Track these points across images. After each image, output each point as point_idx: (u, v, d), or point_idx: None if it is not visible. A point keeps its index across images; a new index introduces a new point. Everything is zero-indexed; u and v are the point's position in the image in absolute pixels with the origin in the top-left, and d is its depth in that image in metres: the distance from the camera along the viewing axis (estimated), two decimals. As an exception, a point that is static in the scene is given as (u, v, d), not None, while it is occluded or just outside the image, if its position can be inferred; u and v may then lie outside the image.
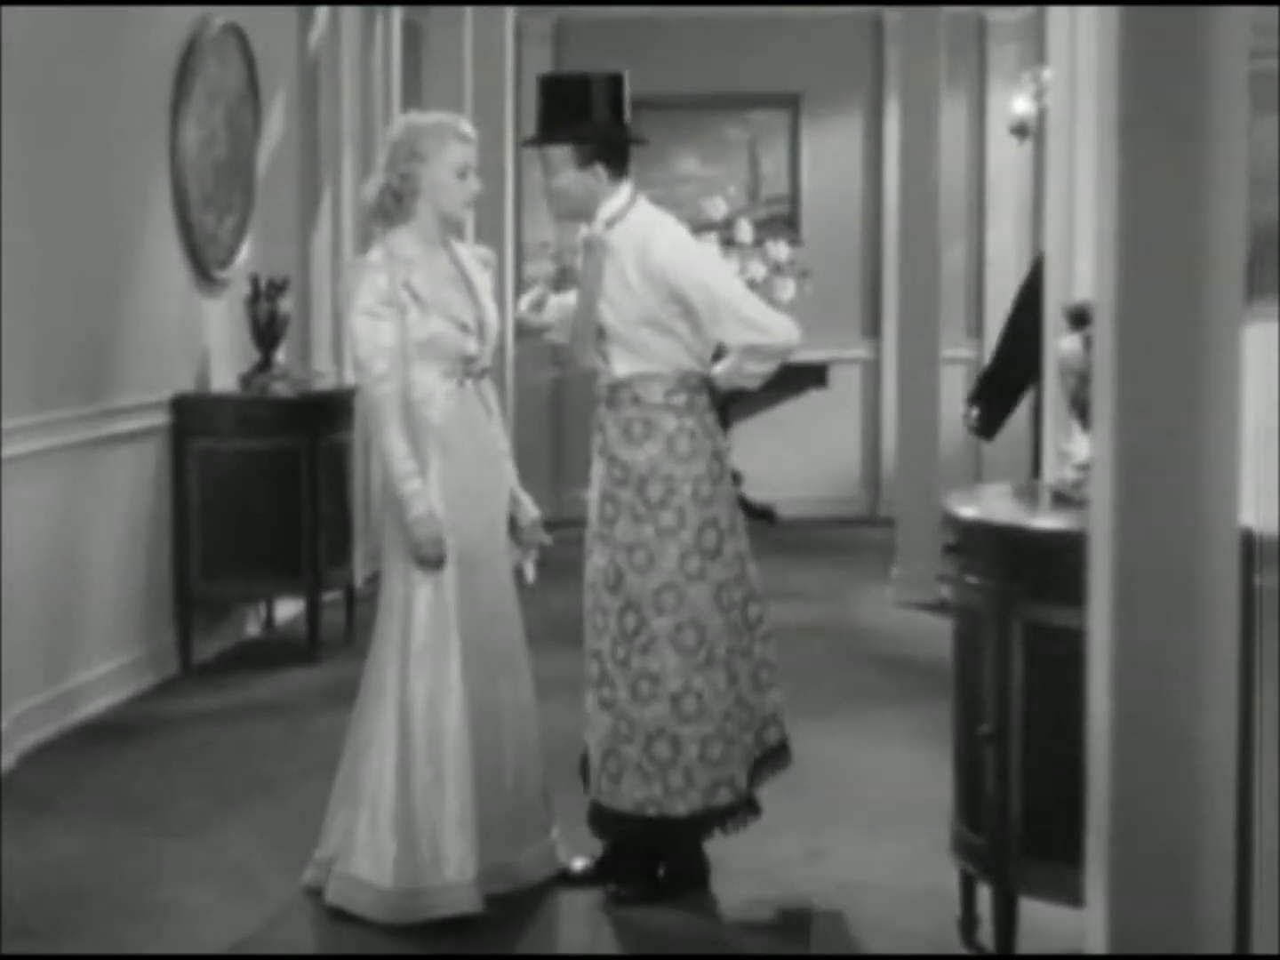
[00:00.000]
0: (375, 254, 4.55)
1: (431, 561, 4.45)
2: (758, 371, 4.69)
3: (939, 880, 4.49)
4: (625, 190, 4.66)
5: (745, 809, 4.66)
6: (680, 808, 4.56)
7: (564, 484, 10.86)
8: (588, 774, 4.72)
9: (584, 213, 4.67)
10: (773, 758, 4.76)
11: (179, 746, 6.13)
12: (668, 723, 4.56)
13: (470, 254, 4.74)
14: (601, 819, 4.68)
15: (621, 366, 4.62)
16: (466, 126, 4.64)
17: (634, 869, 4.69)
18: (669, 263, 4.56)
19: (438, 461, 4.51)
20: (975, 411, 6.56)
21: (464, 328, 4.55)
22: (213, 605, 7.47)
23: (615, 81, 4.67)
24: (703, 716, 4.56)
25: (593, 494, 4.72)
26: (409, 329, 4.48)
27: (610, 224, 4.63)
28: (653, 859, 4.70)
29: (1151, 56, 2.82)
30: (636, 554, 4.59)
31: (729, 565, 4.63)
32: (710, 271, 4.64)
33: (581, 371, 4.78)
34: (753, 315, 4.61)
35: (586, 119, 4.61)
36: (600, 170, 4.62)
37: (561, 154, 4.62)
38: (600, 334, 4.62)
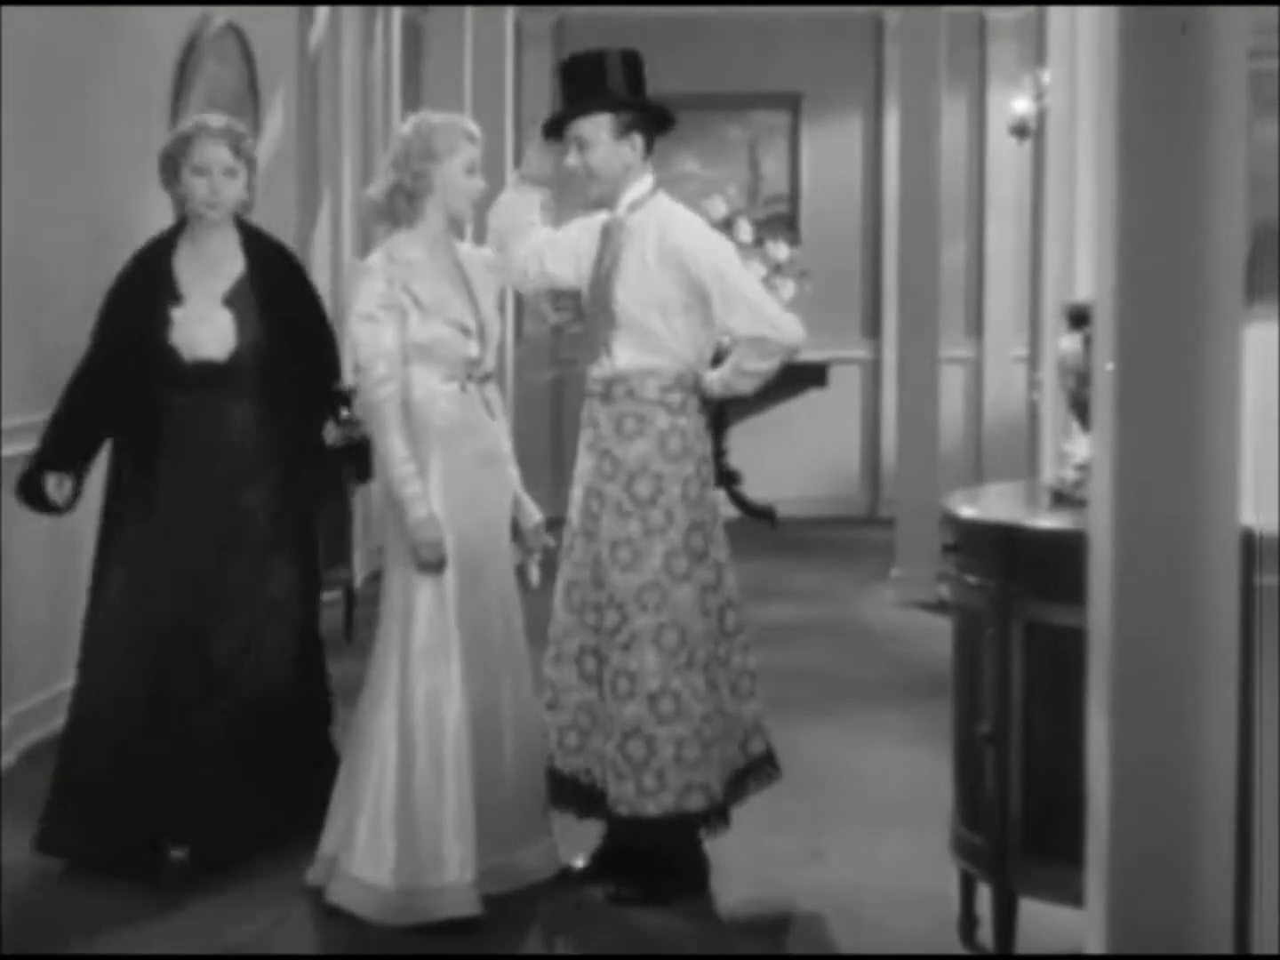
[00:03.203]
0: (375, 258, 4.56)
1: (432, 565, 4.45)
2: (758, 369, 4.67)
3: (939, 880, 4.49)
4: (649, 178, 4.65)
5: (717, 818, 4.65)
6: (650, 808, 4.54)
7: (564, 484, 10.85)
8: (558, 788, 4.68)
9: (615, 194, 4.62)
10: (757, 768, 4.74)
11: (179, 746, 6.11)
12: (644, 722, 4.54)
13: (474, 257, 4.73)
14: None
15: (624, 356, 4.60)
16: (474, 126, 4.66)
17: (634, 869, 4.68)
18: (687, 246, 4.56)
19: (438, 464, 4.50)
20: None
21: (465, 331, 4.55)
22: (213, 605, 7.44)
23: (632, 57, 4.65)
24: (680, 718, 4.54)
25: (577, 491, 4.72)
26: (410, 333, 4.48)
27: (632, 209, 4.62)
28: (653, 859, 4.69)
29: (1151, 56, 2.82)
30: (621, 550, 4.57)
31: (710, 570, 4.63)
32: (726, 259, 4.64)
33: (587, 363, 4.74)
34: (765, 307, 4.62)
35: (608, 92, 4.59)
36: (638, 141, 4.60)
37: (596, 126, 4.57)
38: (611, 320, 4.61)
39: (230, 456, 4.89)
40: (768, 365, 4.66)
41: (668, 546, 4.56)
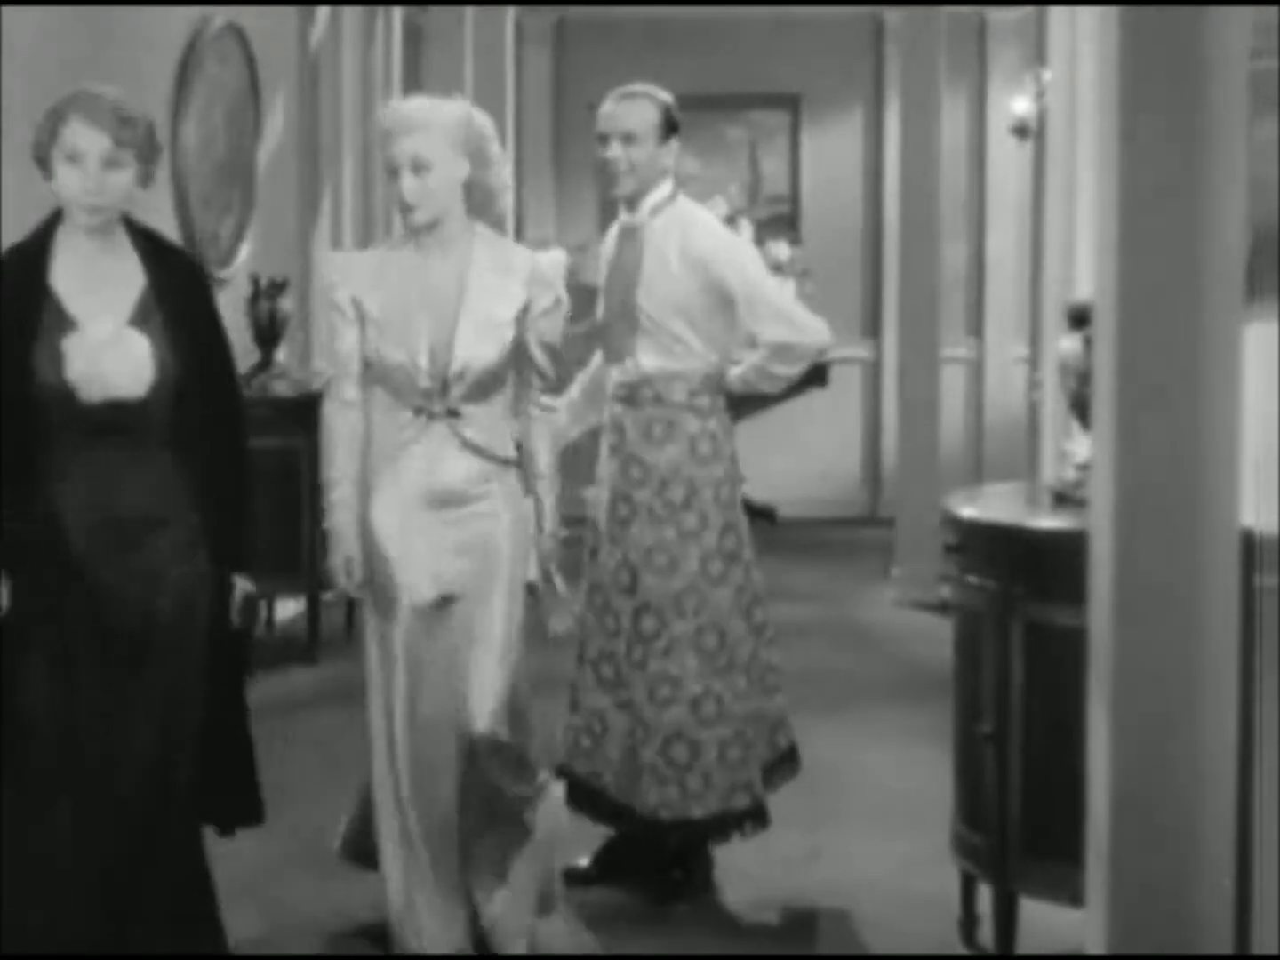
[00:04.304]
0: (367, 255, 4.46)
1: (342, 586, 4.21)
2: (784, 373, 4.64)
3: (939, 880, 4.49)
4: (670, 183, 4.64)
5: (756, 817, 4.63)
6: (696, 810, 4.54)
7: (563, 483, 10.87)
8: (572, 789, 4.66)
9: (640, 196, 4.61)
10: (784, 763, 4.74)
11: (179, 746, 6.11)
12: (686, 726, 4.53)
13: (518, 264, 4.15)
14: (620, 815, 4.64)
15: (648, 360, 4.58)
16: (393, 118, 4.11)
17: (638, 869, 4.68)
18: (710, 249, 4.54)
19: (384, 494, 4.13)
20: None
21: (416, 363, 4.04)
22: (213, 605, 7.43)
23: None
24: (722, 720, 4.54)
25: (602, 494, 4.68)
26: (366, 342, 4.10)
27: (653, 213, 4.61)
28: (657, 860, 4.68)
29: (1151, 57, 2.83)
30: (656, 556, 4.55)
31: (741, 569, 4.62)
32: (751, 264, 4.64)
33: (609, 366, 4.70)
34: (790, 312, 4.61)
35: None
36: (674, 147, 4.62)
37: (646, 124, 4.56)
38: (634, 325, 4.58)
39: (157, 531, 3.81)
40: (794, 370, 4.65)
41: (703, 550, 4.55)
